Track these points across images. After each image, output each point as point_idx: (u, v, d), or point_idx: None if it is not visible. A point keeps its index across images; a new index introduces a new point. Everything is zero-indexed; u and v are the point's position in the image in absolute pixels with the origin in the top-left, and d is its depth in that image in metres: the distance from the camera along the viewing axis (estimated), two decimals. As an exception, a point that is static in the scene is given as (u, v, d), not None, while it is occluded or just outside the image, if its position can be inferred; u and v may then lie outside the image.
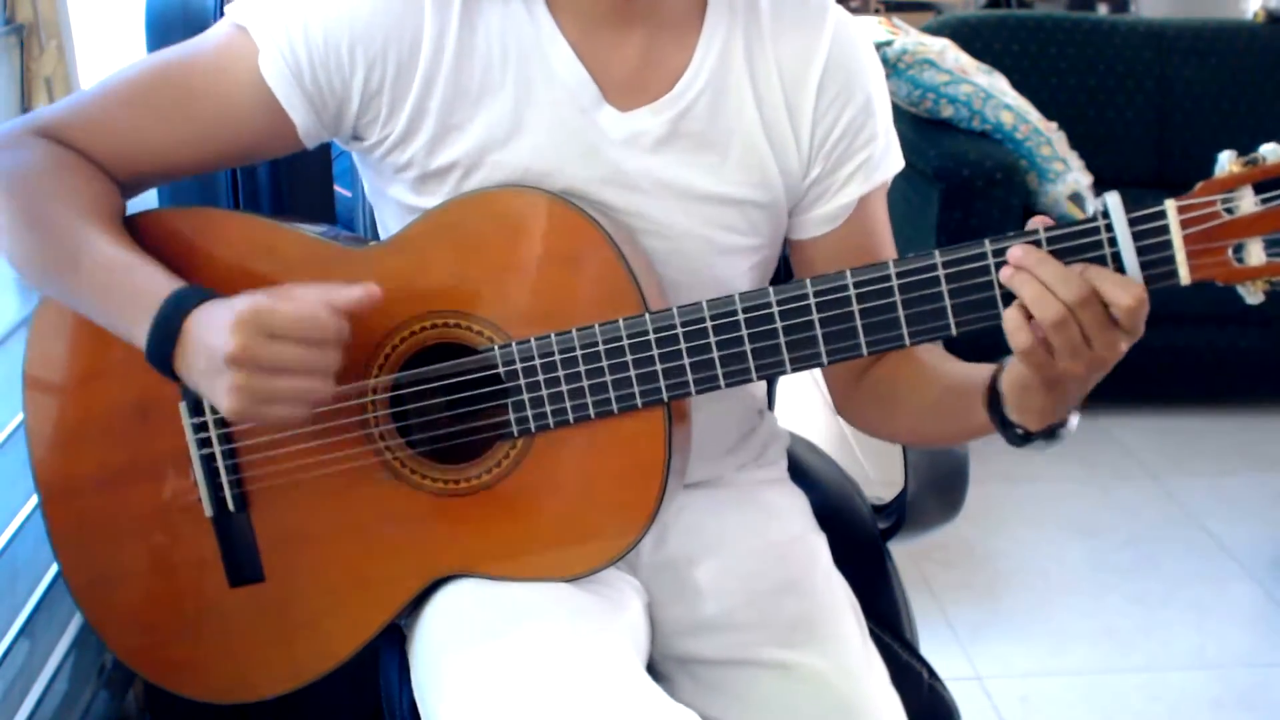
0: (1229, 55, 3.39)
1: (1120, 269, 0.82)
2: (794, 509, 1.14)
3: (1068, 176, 3.00)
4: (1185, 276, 0.81)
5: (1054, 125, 3.09)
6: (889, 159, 1.05)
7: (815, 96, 1.00)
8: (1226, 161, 0.81)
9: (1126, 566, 2.43)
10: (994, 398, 0.90)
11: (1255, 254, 0.81)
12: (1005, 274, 0.83)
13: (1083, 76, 3.35)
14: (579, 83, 0.96)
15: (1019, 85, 3.14)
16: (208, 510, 1.00)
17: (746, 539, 1.08)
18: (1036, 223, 0.84)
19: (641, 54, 0.98)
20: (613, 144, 0.97)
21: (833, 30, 1.01)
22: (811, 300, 0.87)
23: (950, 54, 3.08)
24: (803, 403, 1.31)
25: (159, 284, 0.90)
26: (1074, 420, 0.90)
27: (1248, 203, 0.80)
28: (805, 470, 1.27)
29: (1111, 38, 3.38)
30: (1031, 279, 0.82)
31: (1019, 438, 0.90)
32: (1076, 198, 2.97)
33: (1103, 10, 5.00)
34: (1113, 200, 0.81)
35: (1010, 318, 0.83)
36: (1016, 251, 0.82)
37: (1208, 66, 3.38)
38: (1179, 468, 2.83)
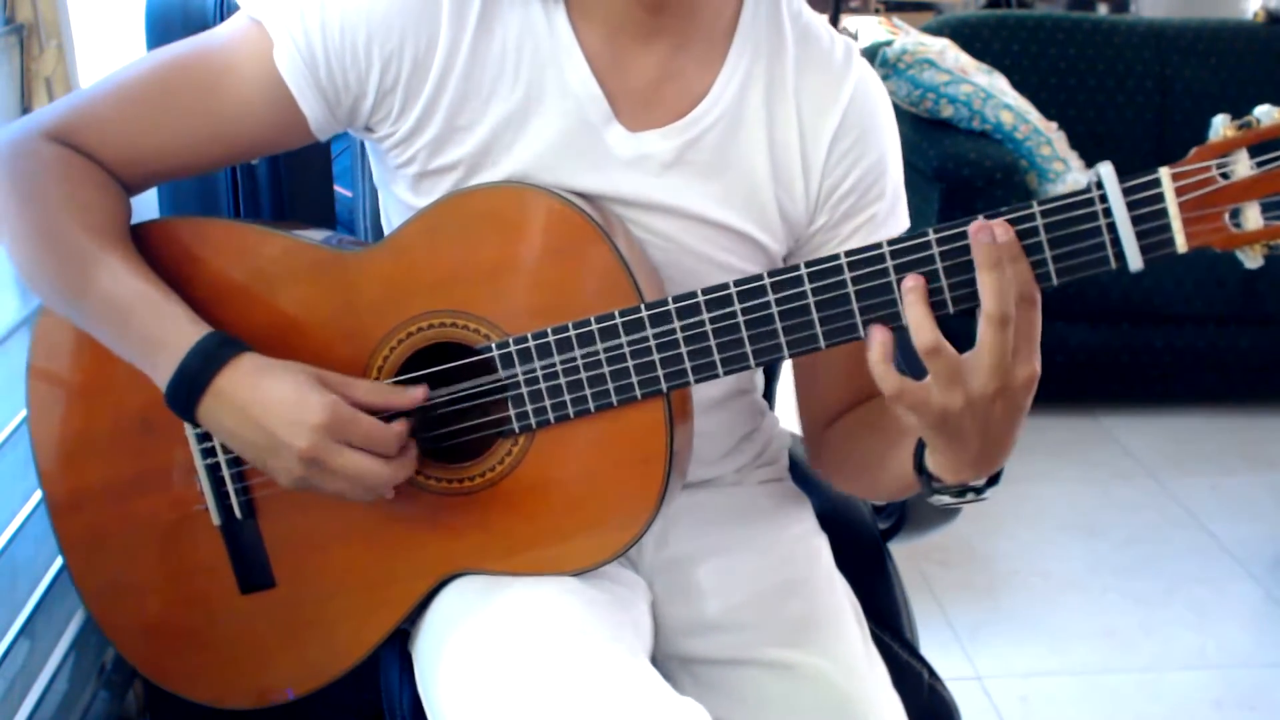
0: (1229, 55, 3.39)
1: (1115, 239, 0.80)
2: (795, 510, 1.14)
3: (1068, 176, 3.00)
4: (1182, 244, 0.80)
5: (1054, 125, 3.08)
6: (893, 220, 1.04)
7: (828, 147, 1.00)
8: (1221, 126, 0.79)
9: (1126, 566, 2.43)
10: (921, 444, 0.90)
11: (1253, 218, 0.79)
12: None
13: (1083, 76, 3.35)
14: (590, 97, 0.95)
15: (1019, 85, 3.14)
16: (215, 519, 1.00)
17: (748, 539, 1.08)
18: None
19: (660, 70, 0.97)
20: (618, 164, 0.97)
21: (855, 83, 1.00)
22: (807, 286, 0.86)
23: (950, 54, 3.08)
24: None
25: (179, 327, 0.91)
26: (988, 491, 0.89)
27: (1243, 167, 0.78)
28: (806, 471, 1.26)
29: (1111, 38, 3.38)
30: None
31: (930, 489, 0.90)
32: (1076, 198, 2.97)
33: (1103, 10, 5.01)
34: (1106, 170, 0.80)
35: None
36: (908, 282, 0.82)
37: (1208, 66, 3.38)
38: (1179, 468, 2.83)
